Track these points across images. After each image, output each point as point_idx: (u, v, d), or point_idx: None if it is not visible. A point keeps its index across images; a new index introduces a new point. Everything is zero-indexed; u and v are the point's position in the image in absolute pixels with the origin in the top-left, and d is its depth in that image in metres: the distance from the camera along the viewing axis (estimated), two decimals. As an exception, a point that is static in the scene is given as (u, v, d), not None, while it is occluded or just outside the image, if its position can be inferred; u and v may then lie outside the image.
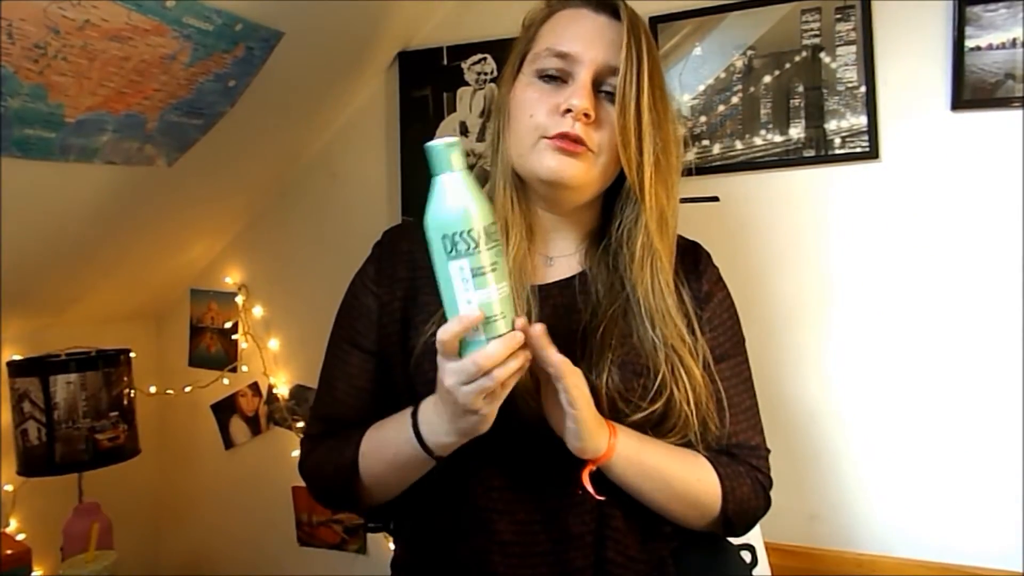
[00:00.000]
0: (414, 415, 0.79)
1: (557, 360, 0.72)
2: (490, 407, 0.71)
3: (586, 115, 0.80)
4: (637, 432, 0.82)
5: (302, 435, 0.97)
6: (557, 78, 0.83)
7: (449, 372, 0.69)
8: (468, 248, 0.67)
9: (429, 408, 0.77)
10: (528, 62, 0.86)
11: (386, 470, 0.84)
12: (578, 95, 0.80)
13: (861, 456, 1.31)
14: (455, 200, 0.67)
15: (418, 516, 0.90)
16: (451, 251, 0.67)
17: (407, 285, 0.90)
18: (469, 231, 0.66)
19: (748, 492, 0.87)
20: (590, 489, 0.78)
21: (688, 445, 0.85)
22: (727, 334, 0.91)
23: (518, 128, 0.84)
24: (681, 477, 0.83)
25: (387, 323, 0.89)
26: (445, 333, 0.68)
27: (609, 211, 0.90)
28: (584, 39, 0.83)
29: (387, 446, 0.83)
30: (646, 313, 0.83)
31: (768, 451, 0.92)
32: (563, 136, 0.80)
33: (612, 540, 0.83)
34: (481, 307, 0.67)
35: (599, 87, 0.83)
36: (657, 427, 0.83)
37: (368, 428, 0.87)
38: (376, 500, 0.88)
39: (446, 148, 0.67)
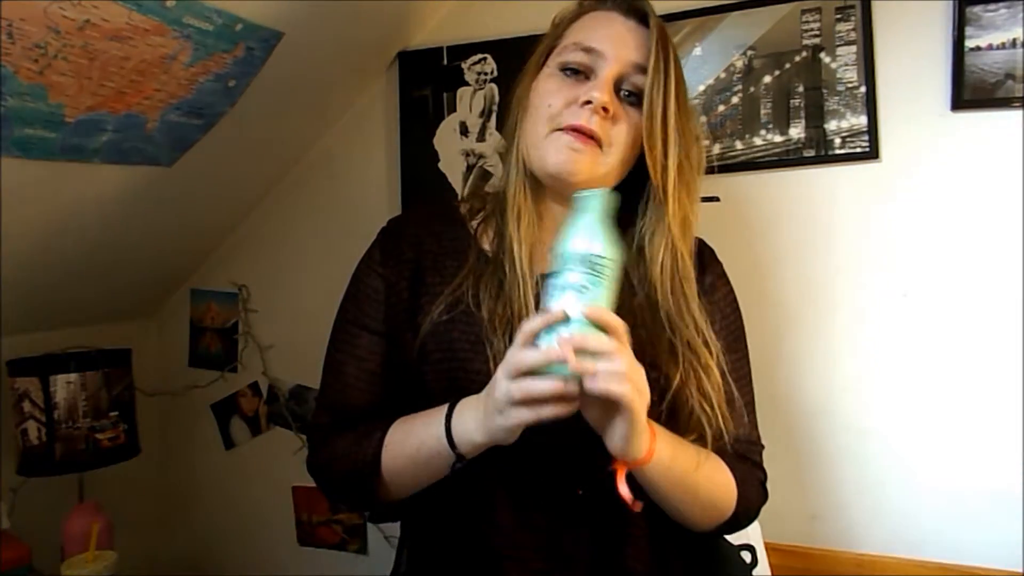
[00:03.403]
0: (451, 409, 0.79)
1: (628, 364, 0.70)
2: (515, 415, 0.70)
3: (604, 109, 0.81)
4: (670, 434, 0.80)
5: (310, 426, 0.94)
6: (579, 72, 0.84)
7: (503, 362, 0.71)
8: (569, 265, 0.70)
9: (470, 403, 0.77)
10: (553, 56, 0.88)
11: (406, 465, 0.83)
12: (599, 88, 0.81)
13: (861, 456, 1.31)
14: (581, 230, 0.72)
15: (425, 504, 0.90)
16: (562, 267, 0.71)
17: (413, 266, 0.90)
18: (578, 253, 0.71)
19: (755, 492, 0.88)
20: (626, 495, 0.74)
21: (697, 441, 0.85)
22: (728, 328, 0.92)
23: (534, 117, 0.86)
24: (705, 484, 0.83)
25: (395, 303, 0.89)
26: (527, 323, 0.70)
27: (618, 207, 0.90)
28: (611, 38, 0.84)
29: (412, 438, 0.82)
30: (664, 314, 0.83)
31: (763, 446, 0.93)
32: (575, 128, 0.81)
33: (632, 546, 0.84)
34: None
35: (620, 87, 0.84)
36: (665, 425, 0.83)
37: (390, 420, 0.86)
38: (391, 497, 0.87)
39: (597, 197, 0.73)
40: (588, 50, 0.84)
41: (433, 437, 0.79)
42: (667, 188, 0.83)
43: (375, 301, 0.90)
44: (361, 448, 0.85)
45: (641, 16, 0.86)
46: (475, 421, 0.75)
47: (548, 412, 0.69)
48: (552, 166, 0.83)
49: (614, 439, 0.73)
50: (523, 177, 0.87)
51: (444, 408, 0.79)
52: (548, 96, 0.85)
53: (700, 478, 0.82)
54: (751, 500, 0.87)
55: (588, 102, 0.81)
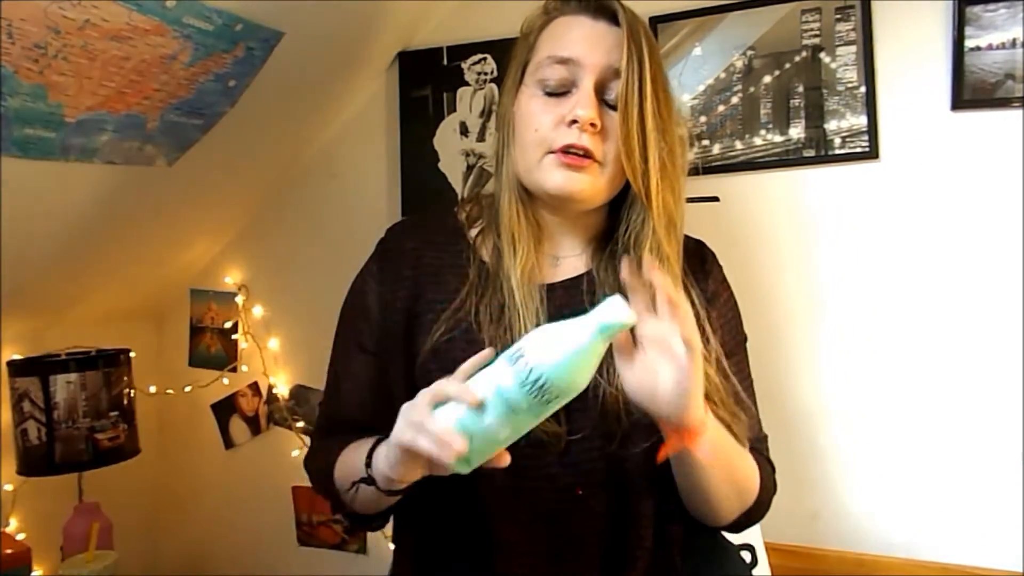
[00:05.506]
0: (378, 439, 0.77)
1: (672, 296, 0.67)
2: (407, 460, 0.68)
3: (592, 125, 0.79)
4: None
5: (313, 428, 0.96)
6: (560, 87, 0.82)
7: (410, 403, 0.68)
8: (532, 390, 0.63)
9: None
10: (529, 73, 0.85)
11: (345, 487, 0.82)
12: (583, 104, 0.79)
13: (861, 456, 1.31)
14: (571, 358, 0.64)
15: (419, 518, 0.89)
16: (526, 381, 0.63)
17: (411, 283, 0.89)
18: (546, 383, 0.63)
19: (771, 482, 0.89)
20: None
21: None
22: (731, 332, 0.92)
23: (524, 142, 0.84)
24: (742, 466, 0.83)
25: (390, 324, 0.89)
26: (447, 384, 0.66)
27: (616, 212, 0.89)
28: (584, 43, 0.82)
29: (348, 464, 0.82)
30: None
31: (767, 437, 0.94)
32: (570, 148, 0.80)
33: (636, 551, 0.84)
34: (486, 431, 0.65)
35: (602, 94, 0.82)
36: None
37: (361, 435, 0.85)
38: (351, 509, 0.86)
39: (618, 326, 0.65)
40: (563, 61, 0.81)
41: (360, 468, 0.77)
42: (649, 192, 0.81)
43: (370, 321, 0.90)
44: (326, 460, 0.86)
45: (610, 16, 0.83)
46: (386, 448, 0.73)
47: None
48: (552, 189, 0.81)
49: (675, 402, 0.70)
50: (518, 201, 0.86)
51: (376, 438, 0.78)
52: (533, 119, 0.82)
53: (740, 461, 0.82)
54: (768, 489, 0.88)
55: (575, 121, 0.79)
